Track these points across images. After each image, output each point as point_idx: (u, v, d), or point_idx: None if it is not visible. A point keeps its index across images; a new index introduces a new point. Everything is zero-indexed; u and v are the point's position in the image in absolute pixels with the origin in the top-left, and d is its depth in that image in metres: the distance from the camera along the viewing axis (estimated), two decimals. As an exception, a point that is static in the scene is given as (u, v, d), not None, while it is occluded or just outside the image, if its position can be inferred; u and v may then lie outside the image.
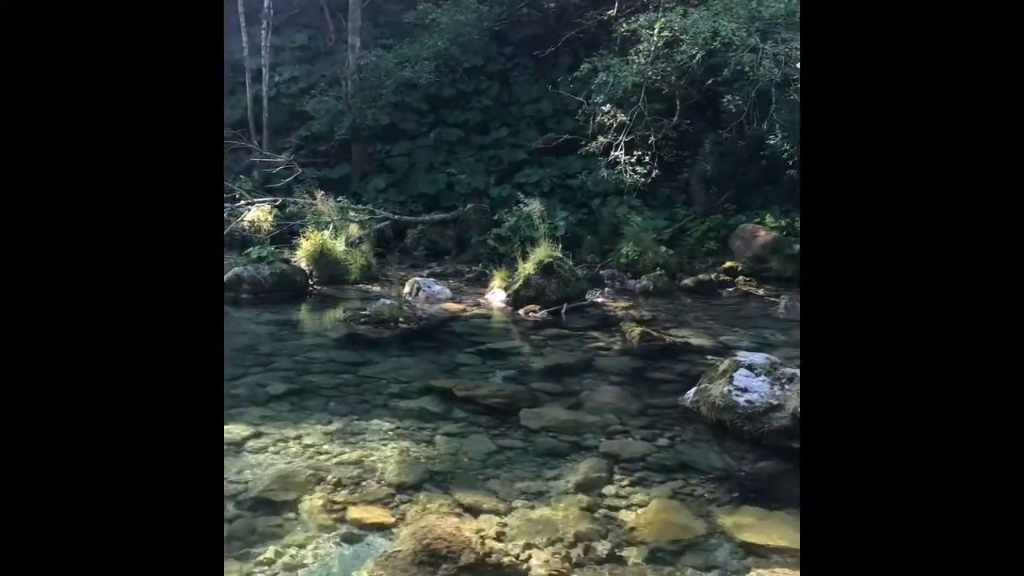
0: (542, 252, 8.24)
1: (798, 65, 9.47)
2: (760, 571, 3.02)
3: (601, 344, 6.61)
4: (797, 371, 4.73)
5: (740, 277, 9.74)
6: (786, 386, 4.49)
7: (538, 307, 7.77)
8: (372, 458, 3.98)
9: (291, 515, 3.38)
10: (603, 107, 10.64)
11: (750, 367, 4.73)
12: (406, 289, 8.53)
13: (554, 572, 3.00)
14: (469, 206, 11.85)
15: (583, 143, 11.05)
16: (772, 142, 10.13)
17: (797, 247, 10.01)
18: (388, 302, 7.23)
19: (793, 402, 4.31)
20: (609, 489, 3.72)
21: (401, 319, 6.92)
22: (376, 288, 8.94)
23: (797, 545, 3.19)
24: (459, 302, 8.31)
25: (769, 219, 10.39)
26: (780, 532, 3.31)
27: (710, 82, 10.73)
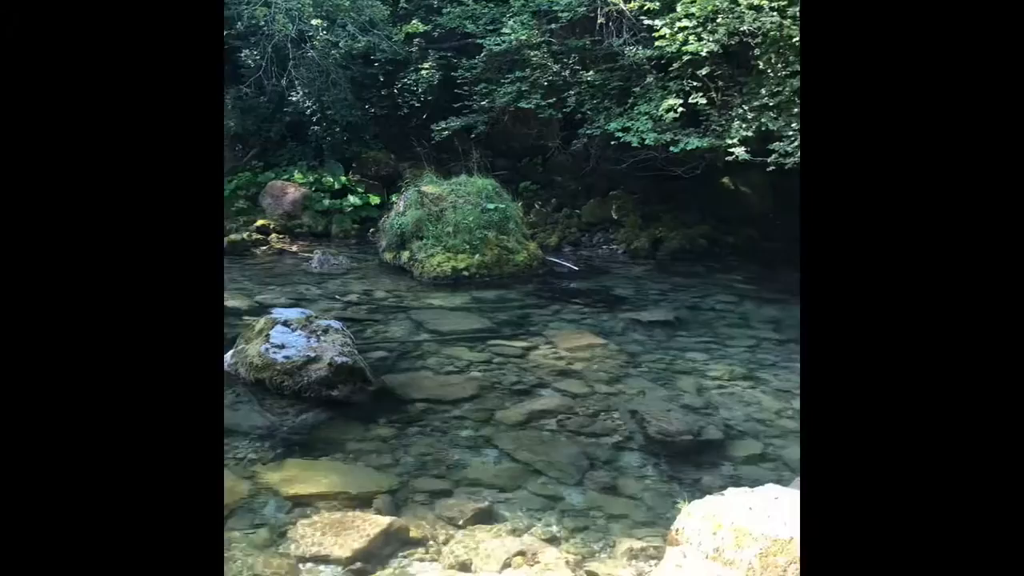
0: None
1: (313, 22, 9.61)
2: (304, 520, 3.10)
3: (126, 316, 6.11)
4: (332, 322, 4.89)
5: (273, 235, 9.69)
6: (321, 338, 4.62)
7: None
8: None
9: None
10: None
11: (286, 323, 4.77)
12: None
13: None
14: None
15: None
16: (294, 98, 10.17)
17: (327, 202, 10.27)
18: None
19: (329, 352, 4.45)
20: (145, 469, 3.50)
21: None
22: None
23: (339, 489, 3.35)
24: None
25: (298, 175, 10.47)
26: (323, 479, 3.43)
27: (226, 34, 10.36)
